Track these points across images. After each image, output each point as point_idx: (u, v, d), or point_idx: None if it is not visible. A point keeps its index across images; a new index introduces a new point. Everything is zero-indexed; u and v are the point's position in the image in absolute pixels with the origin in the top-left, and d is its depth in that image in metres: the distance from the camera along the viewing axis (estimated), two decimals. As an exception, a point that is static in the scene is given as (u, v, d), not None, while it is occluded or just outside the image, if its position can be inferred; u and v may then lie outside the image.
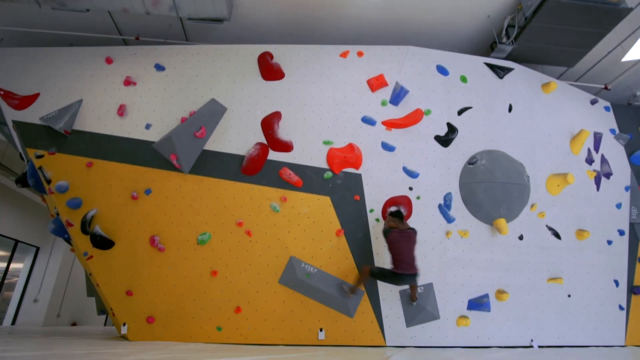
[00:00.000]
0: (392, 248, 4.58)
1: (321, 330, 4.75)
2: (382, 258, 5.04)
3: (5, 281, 9.70)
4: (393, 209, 4.94)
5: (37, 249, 10.48)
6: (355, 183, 5.20)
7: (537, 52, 6.08)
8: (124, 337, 4.85)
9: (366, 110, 5.44)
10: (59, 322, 10.38)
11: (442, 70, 5.72)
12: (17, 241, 9.72)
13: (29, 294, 10.07)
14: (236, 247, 4.94)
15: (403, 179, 5.31)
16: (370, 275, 4.71)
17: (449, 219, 5.30)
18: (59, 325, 10.14)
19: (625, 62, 6.47)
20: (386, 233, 4.66)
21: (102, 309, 6.03)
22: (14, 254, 9.73)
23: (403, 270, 4.46)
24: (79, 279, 10.64)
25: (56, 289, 10.25)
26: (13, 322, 9.69)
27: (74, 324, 11.10)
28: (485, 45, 6.38)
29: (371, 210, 5.15)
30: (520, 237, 5.45)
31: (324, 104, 5.42)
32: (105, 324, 12.02)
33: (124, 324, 4.71)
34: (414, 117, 5.48)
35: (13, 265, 9.84)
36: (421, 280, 5.04)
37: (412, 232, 4.67)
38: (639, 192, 6.34)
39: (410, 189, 5.29)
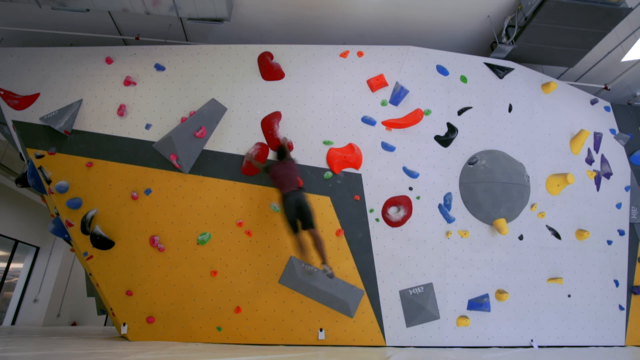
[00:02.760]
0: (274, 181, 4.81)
1: (321, 330, 4.75)
2: (383, 258, 5.04)
3: (5, 281, 9.70)
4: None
5: (37, 249, 10.48)
6: (355, 183, 5.20)
7: (537, 52, 6.08)
8: (124, 337, 4.85)
9: (366, 110, 5.44)
10: (59, 322, 10.38)
11: (442, 70, 5.73)
12: (17, 241, 9.72)
13: (29, 293, 10.07)
14: (236, 247, 4.94)
15: (403, 179, 5.31)
16: (291, 233, 4.64)
17: (449, 219, 5.30)
18: (59, 325, 10.14)
19: (625, 62, 6.47)
20: (267, 169, 4.88)
21: (102, 309, 6.03)
22: (14, 254, 9.72)
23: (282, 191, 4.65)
24: (79, 279, 10.65)
25: (56, 289, 10.25)
26: (13, 322, 9.69)
27: (74, 324, 11.11)
28: (485, 45, 6.38)
29: (371, 210, 5.15)
30: (520, 237, 5.45)
31: (324, 104, 5.42)
32: (105, 324, 12.02)
33: (124, 324, 4.71)
34: (414, 117, 5.48)
35: (13, 265, 9.84)
36: (421, 280, 5.05)
37: (292, 161, 4.92)
38: (639, 192, 6.34)
39: (410, 189, 5.29)
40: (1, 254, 9.70)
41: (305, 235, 4.58)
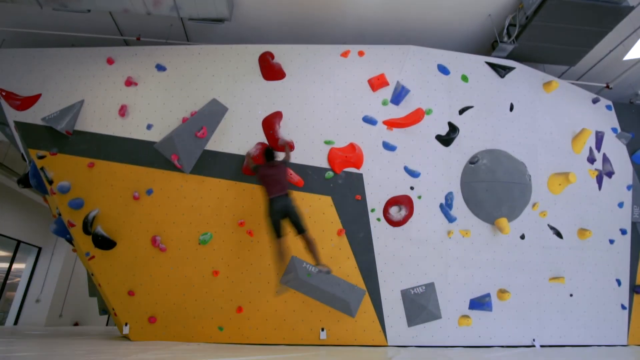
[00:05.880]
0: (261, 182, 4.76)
1: (323, 330, 4.75)
2: (384, 258, 5.04)
3: (8, 281, 9.73)
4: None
5: (39, 249, 10.51)
6: (356, 183, 5.20)
7: (538, 51, 6.06)
8: (125, 337, 4.86)
9: (367, 110, 5.43)
10: (61, 322, 10.40)
11: (443, 70, 5.72)
12: (19, 241, 9.74)
13: (31, 294, 10.10)
14: (238, 247, 4.94)
15: (404, 179, 5.30)
16: (274, 237, 4.56)
17: (451, 219, 5.29)
18: (61, 326, 10.17)
19: (626, 61, 6.45)
20: (255, 169, 4.88)
21: (104, 309, 6.04)
22: (16, 254, 9.75)
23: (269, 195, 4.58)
24: (81, 279, 10.66)
25: (58, 289, 10.28)
26: (15, 322, 9.72)
27: (76, 324, 11.13)
28: (486, 44, 6.36)
29: (372, 210, 5.14)
30: (522, 237, 5.44)
31: (325, 103, 5.42)
32: (107, 324, 12.05)
33: (126, 324, 4.72)
34: (415, 117, 5.47)
35: (15, 266, 9.87)
36: (423, 280, 5.05)
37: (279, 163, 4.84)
38: (641, 191, 6.32)
39: (412, 188, 5.28)
40: (3, 254, 9.73)
41: (287, 241, 4.55)
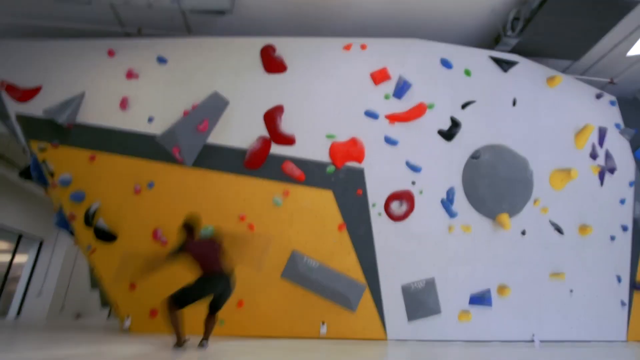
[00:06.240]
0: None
1: (323, 324, 4.76)
2: (385, 252, 5.04)
3: (9, 274, 9.76)
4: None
5: (41, 241, 10.53)
6: (357, 177, 5.19)
7: (542, 46, 6.01)
8: (127, 330, 4.87)
9: (369, 104, 5.40)
10: (63, 314, 10.45)
11: (446, 64, 5.67)
12: (20, 234, 9.76)
13: (33, 286, 10.13)
14: (238, 240, 4.93)
15: (406, 173, 5.29)
16: (173, 303, 3.67)
17: (452, 214, 5.28)
18: (62, 319, 10.22)
19: (631, 56, 6.39)
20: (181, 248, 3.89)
21: (105, 302, 6.06)
22: (17, 247, 9.77)
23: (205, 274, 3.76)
24: (83, 271, 10.71)
25: (60, 281, 10.31)
26: (17, 316, 9.77)
27: (78, 317, 11.19)
28: (489, 38, 6.30)
29: (373, 205, 5.13)
30: (523, 232, 5.43)
31: (327, 97, 5.38)
32: (108, 317, 12.12)
33: (127, 317, 4.74)
34: (417, 111, 5.44)
35: (17, 259, 9.90)
36: (423, 275, 5.05)
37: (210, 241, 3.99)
38: (644, 187, 6.30)
39: (413, 183, 5.27)
40: (5, 246, 9.75)
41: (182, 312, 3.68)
